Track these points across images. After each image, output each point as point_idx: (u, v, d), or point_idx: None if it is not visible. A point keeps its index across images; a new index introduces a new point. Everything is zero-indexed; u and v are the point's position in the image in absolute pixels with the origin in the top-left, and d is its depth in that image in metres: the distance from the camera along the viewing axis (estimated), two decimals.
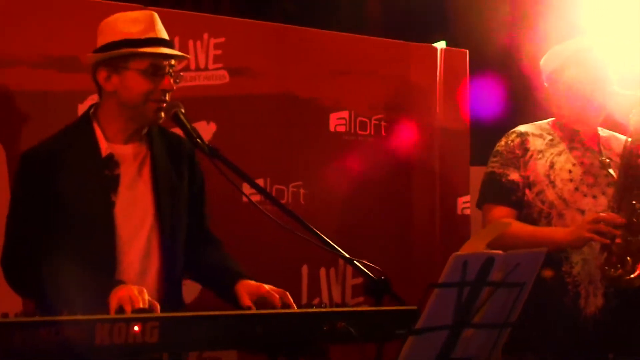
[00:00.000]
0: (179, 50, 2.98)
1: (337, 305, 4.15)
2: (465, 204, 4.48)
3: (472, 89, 4.61)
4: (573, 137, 3.56)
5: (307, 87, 4.18)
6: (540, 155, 3.52)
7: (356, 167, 4.28)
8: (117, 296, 2.54)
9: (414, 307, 2.60)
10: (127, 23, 2.85)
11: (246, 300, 2.74)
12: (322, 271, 4.18)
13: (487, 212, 3.55)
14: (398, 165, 4.37)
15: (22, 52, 3.57)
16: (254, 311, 2.56)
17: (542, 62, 3.66)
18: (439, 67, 4.50)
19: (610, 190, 3.44)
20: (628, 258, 3.27)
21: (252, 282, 2.83)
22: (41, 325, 2.16)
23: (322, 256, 3.88)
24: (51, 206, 2.76)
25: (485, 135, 4.62)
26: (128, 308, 2.47)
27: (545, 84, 3.66)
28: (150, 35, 2.84)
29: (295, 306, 2.74)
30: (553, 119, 3.64)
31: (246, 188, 3.02)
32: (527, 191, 3.48)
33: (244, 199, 3.13)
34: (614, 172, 3.44)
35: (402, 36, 4.55)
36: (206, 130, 3.94)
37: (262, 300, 2.74)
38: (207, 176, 3.08)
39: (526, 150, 3.53)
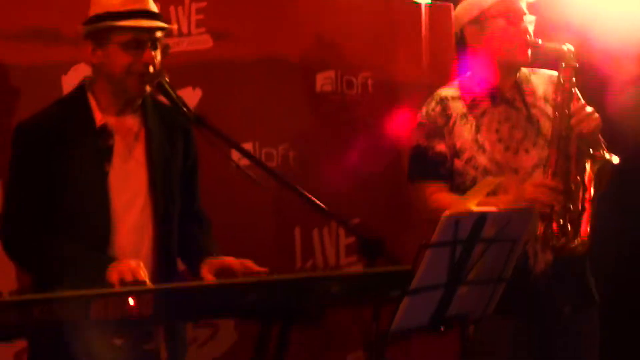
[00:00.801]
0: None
1: (331, 267, 4.18)
2: None
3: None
4: (494, 92, 3.39)
5: (292, 49, 4.15)
6: (464, 120, 3.36)
7: (344, 126, 4.27)
8: (118, 269, 2.56)
9: (408, 267, 2.60)
10: None
11: (207, 275, 2.75)
12: (315, 232, 4.18)
13: (419, 189, 3.40)
14: (387, 122, 4.35)
15: (1, 24, 3.52)
16: (247, 279, 2.56)
17: (457, 12, 3.48)
18: (424, 22, 4.47)
19: (540, 140, 3.33)
20: (568, 225, 3.21)
21: (215, 258, 2.84)
22: (36, 303, 2.15)
23: (314, 217, 3.88)
24: (47, 176, 2.78)
25: None
26: (130, 279, 2.50)
27: (461, 35, 3.44)
28: (132, 7, 2.82)
29: (262, 271, 2.73)
30: (470, 73, 3.46)
31: (235, 154, 3.01)
32: (455, 160, 3.34)
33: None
34: (542, 122, 3.33)
35: None
36: (192, 96, 3.91)
37: (223, 271, 2.75)
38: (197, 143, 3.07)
39: (448, 117, 3.37)
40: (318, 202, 2.79)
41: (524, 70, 3.47)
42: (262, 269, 2.73)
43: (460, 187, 3.34)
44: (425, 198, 3.37)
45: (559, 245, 3.22)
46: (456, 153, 3.35)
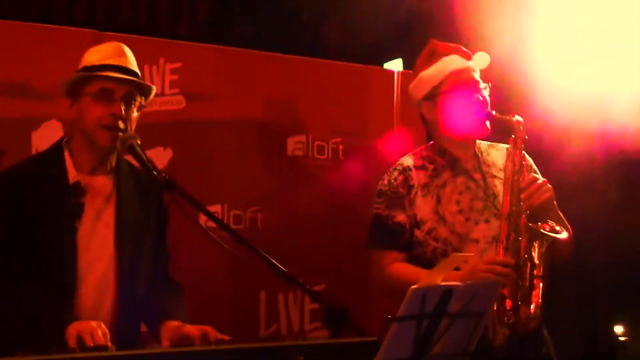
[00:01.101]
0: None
1: (295, 332, 4.14)
2: None
3: None
4: (454, 163, 3.42)
5: (264, 112, 4.17)
6: (425, 191, 3.38)
7: (314, 191, 4.27)
8: (77, 329, 2.52)
9: (374, 339, 2.59)
10: (92, 53, 2.92)
11: (165, 341, 2.74)
12: (280, 296, 4.16)
13: (376, 258, 3.40)
14: (357, 188, 4.36)
15: None
16: (213, 347, 2.53)
17: (410, 88, 3.51)
18: (396, 90, 4.51)
19: (499, 213, 3.32)
20: (519, 303, 3.20)
21: (174, 322, 2.81)
22: None
23: (279, 281, 3.85)
24: (16, 229, 2.77)
25: None
26: (88, 341, 2.46)
27: (419, 109, 3.50)
28: (107, 62, 2.88)
29: (222, 338, 2.70)
30: (432, 142, 3.51)
31: (202, 218, 2.99)
32: (416, 231, 3.35)
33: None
34: (500, 189, 3.35)
35: (361, 59, 4.56)
36: (162, 156, 3.91)
37: (182, 340, 2.72)
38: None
39: (410, 187, 3.38)
40: (282, 268, 2.78)
41: (484, 143, 3.51)
42: (223, 337, 2.70)
43: (420, 257, 3.33)
44: (382, 267, 3.37)
45: (511, 323, 3.22)
46: (417, 224, 3.36)
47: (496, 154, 3.50)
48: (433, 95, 3.42)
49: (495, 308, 3.20)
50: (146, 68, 3.88)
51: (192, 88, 3.99)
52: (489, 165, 3.47)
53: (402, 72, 4.57)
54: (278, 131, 4.22)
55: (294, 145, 4.26)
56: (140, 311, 2.94)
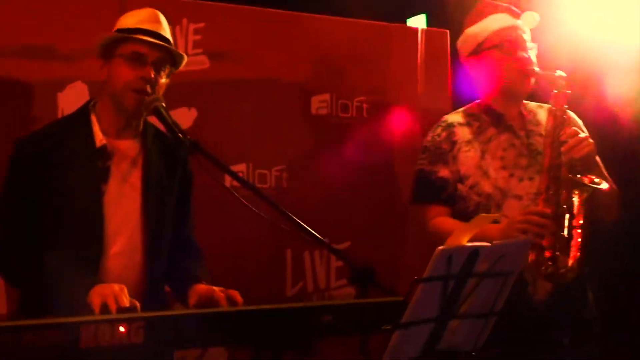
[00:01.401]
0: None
1: (322, 290, 4.17)
2: None
3: (456, 69, 4.57)
4: (500, 120, 3.47)
5: (288, 71, 4.16)
6: (468, 147, 3.43)
7: (339, 149, 4.27)
8: (100, 293, 2.54)
9: (400, 298, 2.60)
10: (128, 16, 2.93)
11: (192, 304, 2.76)
12: (306, 254, 4.18)
13: (420, 211, 3.48)
14: (381, 146, 4.36)
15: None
16: (240, 307, 2.55)
17: (458, 44, 3.56)
18: (420, 48, 4.47)
19: (543, 164, 3.35)
20: (557, 253, 3.22)
21: (203, 285, 2.83)
22: (25, 329, 2.14)
23: (305, 239, 3.87)
24: (42, 193, 2.78)
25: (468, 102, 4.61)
26: (112, 305, 2.48)
27: (467, 65, 3.54)
28: (142, 26, 2.88)
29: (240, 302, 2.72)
30: (478, 101, 3.55)
31: (228, 179, 3.01)
32: (459, 186, 3.40)
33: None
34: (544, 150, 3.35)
35: (384, 16, 4.53)
36: (187, 116, 3.92)
37: (209, 301, 2.75)
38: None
39: (453, 143, 3.44)
40: (307, 227, 2.79)
41: (532, 103, 3.54)
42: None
43: (463, 212, 3.39)
44: (426, 221, 3.45)
45: (548, 273, 3.23)
46: (460, 179, 3.42)
47: (543, 114, 3.51)
48: (478, 51, 3.46)
49: (533, 258, 3.23)
50: (169, 29, 3.86)
51: (216, 48, 3.98)
52: (534, 124, 3.50)
53: (426, 30, 4.54)
54: (302, 90, 4.21)
55: (318, 104, 4.25)
56: (168, 274, 2.96)
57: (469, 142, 3.45)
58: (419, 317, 2.45)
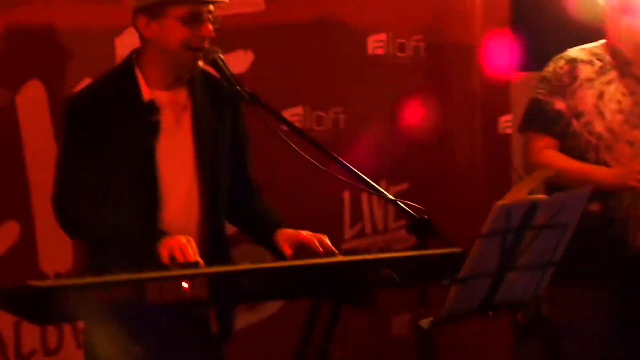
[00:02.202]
0: None
1: (380, 231, 4.20)
2: (506, 123, 4.43)
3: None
4: (624, 65, 3.46)
5: (344, 11, 4.11)
6: (589, 85, 3.43)
7: (396, 89, 4.24)
8: (167, 245, 2.58)
9: (459, 249, 2.62)
10: None
11: (287, 249, 2.76)
12: (364, 195, 4.19)
13: (530, 140, 3.50)
14: (438, 87, 4.33)
15: None
16: (299, 261, 2.59)
17: None
18: None
19: None
20: None
21: (291, 230, 2.84)
22: (91, 286, 2.20)
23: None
24: (97, 150, 2.79)
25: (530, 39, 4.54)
26: (180, 257, 2.52)
27: (604, 4, 3.50)
28: None
29: (334, 248, 2.73)
30: (605, 41, 3.52)
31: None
32: (573, 121, 3.41)
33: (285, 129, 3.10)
34: None
35: None
36: (243, 58, 3.91)
37: (301, 247, 2.76)
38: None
39: (574, 78, 3.44)
40: (362, 175, 2.79)
41: None
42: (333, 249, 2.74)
43: (573, 149, 3.42)
44: (535, 151, 3.47)
45: None
46: (576, 115, 3.41)
47: None
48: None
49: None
50: None
51: None
52: None
53: None
54: (358, 30, 4.17)
55: (374, 43, 4.21)
56: (240, 219, 2.99)
57: (589, 80, 3.44)
58: (477, 270, 2.47)
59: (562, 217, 2.62)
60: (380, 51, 4.22)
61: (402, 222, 4.22)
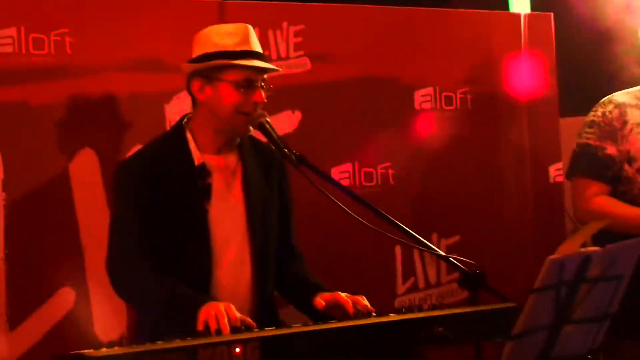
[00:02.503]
0: (260, 41, 2.99)
1: (433, 285, 4.17)
2: (557, 171, 4.40)
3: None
4: None
5: (390, 67, 4.13)
6: (639, 129, 3.40)
7: (445, 142, 4.24)
8: (205, 312, 2.58)
9: (513, 304, 2.59)
10: (223, 35, 2.88)
11: (320, 305, 2.78)
12: (416, 250, 4.17)
13: (581, 187, 3.45)
14: (487, 138, 4.31)
15: (104, 57, 3.60)
16: (352, 322, 2.57)
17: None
18: (523, 34, 4.40)
19: None
20: None
21: (327, 293, 2.85)
22: (144, 355, 2.21)
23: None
24: (148, 214, 2.82)
25: (574, 84, 4.53)
26: (213, 325, 2.52)
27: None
28: (245, 48, 2.87)
29: (370, 308, 2.73)
30: None
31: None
32: (626, 166, 3.38)
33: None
34: None
35: (486, 4, 4.46)
36: (292, 119, 3.95)
37: (336, 306, 2.76)
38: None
39: (625, 122, 3.41)
40: (413, 233, 2.79)
41: None
42: (369, 307, 2.73)
43: (626, 194, 3.39)
44: (586, 197, 3.43)
45: None
46: (628, 160, 3.39)
47: None
48: None
49: None
50: (270, 33, 3.90)
51: (317, 49, 3.98)
52: None
53: (530, 14, 4.45)
54: (404, 85, 4.18)
55: (421, 98, 4.22)
56: (282, 285, 2.99)
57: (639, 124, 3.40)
58: (532, 326, 2.44)
59: (616, 268, 2.58)
60: (427, 105, 4.23)
61: (455, 275, 4.21)
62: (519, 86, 4.38)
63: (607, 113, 3.44)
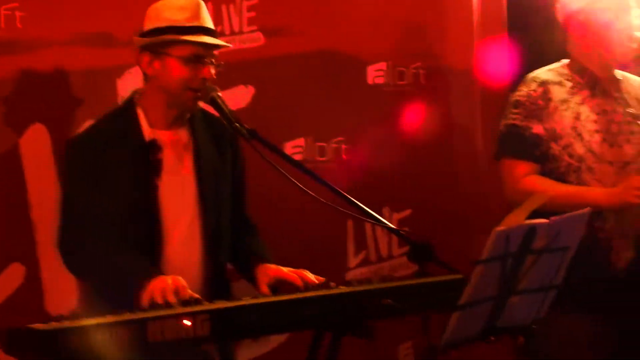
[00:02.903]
0: (213, 18, 2.97)
1: (384, 258, 4.21)
2: None
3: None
4: (594, 83, 3.42)
5: (342, 42, 4.15)
6: (564, 106, 3.39)
7: (397, 117, 4.27)
8: (150, 288, 2.59)
9: (460, 276, 2.63)
10: (173, 10, 2.86)
11: (262, 286, 2.81)
12: (368, 224, 4.20)
13: (509, 167, 3.42)
14: (439, 113, 4.35)
15: (55, 32, 3.57)
16: (301, 295, 2.60)
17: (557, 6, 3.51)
18: (475, 7, 4.43)
19: (634, 138, 3.36)
20: None
21: (271, 265, 2.87)
22: (92, 328, 2.22)
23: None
24: (98, 190, 2.81)
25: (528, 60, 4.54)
26: (160, 300, 2.53)
27: (564, 22, 3.49)
28: (195, 23, 2.85)
29: (316, 281, 2.75)
30: (568, 60, 3.49)
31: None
32: (552, 144, 3.36)
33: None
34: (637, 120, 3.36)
35: None
36: (245, 93, 3.95)
37: (281, 283, 2.78)
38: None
39: (548, 100, 3.38)
40: (363, 206, 2.81)
41: (618, 71, 3.49)
42: (319, 279, 2.76)
43: (553, 172, 3.37)
44: (516, 178, 3.40)
45: None
46: (554, 138, 3.37)
47: (629, 82, 3.50)
48: (585, 11, 3.41)
49: None
50: (223, 7, 3.89)
51: (270, 24, 3.98)
52: (628, 92, 3.47)
53: None
54: (357, 60, 4.20)
55: (374, 72, 4.25)
56: (230, 254, 3.01)
57: (564, 101, 3.40)
58: (478, 296, 2.48)
59: (561, 240, 2.63)
60: (380, 80, 4.25)
61: (407, 248, 4.25)
62: (471, 61, 4.41)
63: (531, 92, 3.41)
